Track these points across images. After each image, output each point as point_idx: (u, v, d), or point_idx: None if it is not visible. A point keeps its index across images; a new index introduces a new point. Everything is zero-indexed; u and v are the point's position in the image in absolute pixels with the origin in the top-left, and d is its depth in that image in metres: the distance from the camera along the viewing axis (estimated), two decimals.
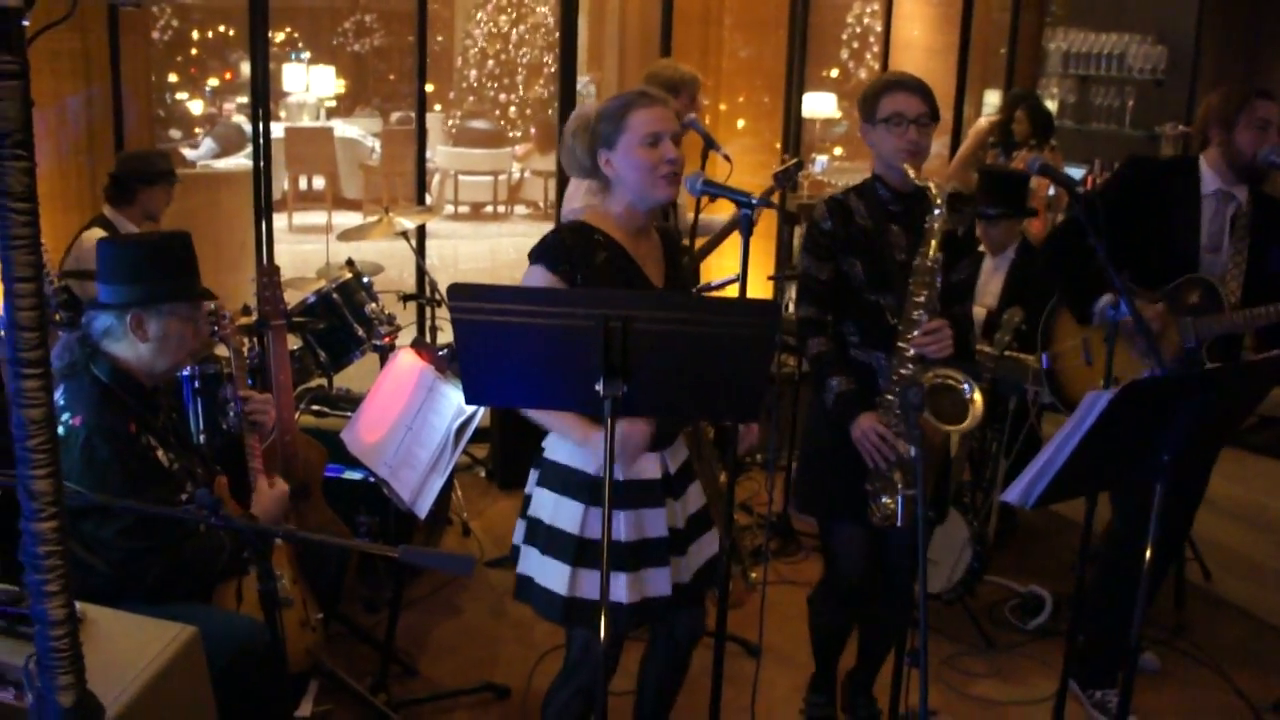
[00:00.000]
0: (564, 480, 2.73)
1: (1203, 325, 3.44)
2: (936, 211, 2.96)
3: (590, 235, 2.68)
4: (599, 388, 2.16)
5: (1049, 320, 3.85)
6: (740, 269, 2.57)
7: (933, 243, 2.97)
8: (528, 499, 2.82)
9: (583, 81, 12.41)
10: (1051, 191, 6.56)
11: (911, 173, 3.00)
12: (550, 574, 2.71)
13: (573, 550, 2.68)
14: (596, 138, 2.68)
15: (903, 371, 3.02)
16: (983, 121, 7.10)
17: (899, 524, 2.97)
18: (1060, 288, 3.77)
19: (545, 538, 2.73)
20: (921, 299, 2.99)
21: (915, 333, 3.00)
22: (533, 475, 2.81)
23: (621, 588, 2.66)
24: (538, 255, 2.67)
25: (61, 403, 2.83)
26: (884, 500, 3.07)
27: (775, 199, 5.35)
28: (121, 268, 2.93)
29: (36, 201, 1.48)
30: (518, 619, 4.23)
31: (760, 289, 5.71)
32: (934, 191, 2.95)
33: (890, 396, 3.05)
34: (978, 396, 2.98)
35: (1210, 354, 3.47)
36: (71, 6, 1.66)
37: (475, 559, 2.21)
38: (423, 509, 3.27)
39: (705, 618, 3.02)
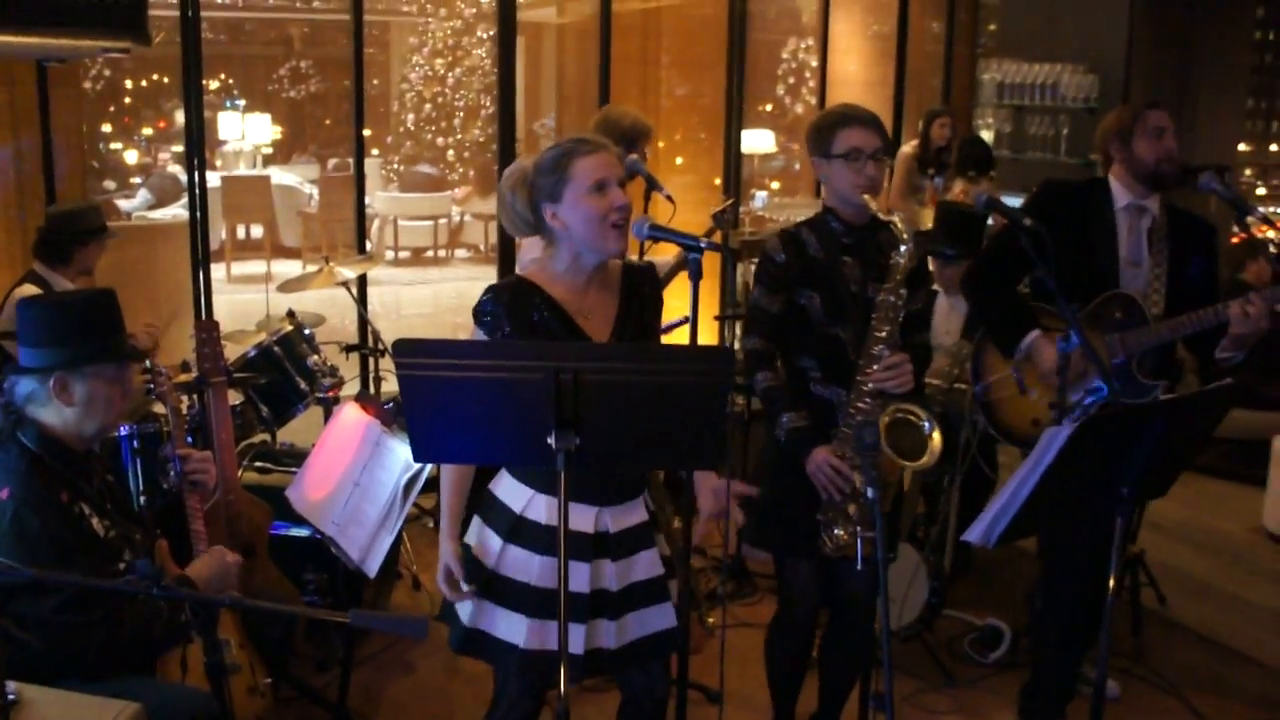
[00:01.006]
0: (493, 512, 2.74)
1: (1129, 340, 3.44)
2: (903, 248, 2.96)
3: (527, 293, 2.62)
4: (551, 441, 2.11)
5: (980, 352, 3.85)
6: (690, 311, 2.53)
7: (898, 279, 2.97)
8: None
9: (543, 122, 12.42)
10: (990, 221, 6.63)
11: (874, 205, 2.99)
12: (462, 601, 2.73)
13: (481, 582, 2.69)
14: (538, 191, 2.61)
15: (860, 405, 3.01)
16: (906, 149, 7.22)
17: (858, 564, 2.94)
18: (984, 322, 3.79)
19: (468, 564, 2.73)
20: (883, 334, 3.00)
21: (875, 367, 2.98)
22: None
23: (520, 630, 2.66)
24: (476, 319, 2.63)
25: None
26: (836, 531, 3.06)
27: (718, 239, 5.35)
28: (42, 330, 2.82)
29: None
30: (471, 674, 4.13)
31: (707, 329, 5.69)
32: (899, 227, 2.95)
33: (847, 429, 3.04)
34: (936, 434, 2.97)
35: (1141, 368, 3.48)
36: None
37: (428, 620, 2.14)
38: (372, 567, 3.20)
39: (669, 673, 2.94)
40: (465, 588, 2.68)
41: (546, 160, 2.61)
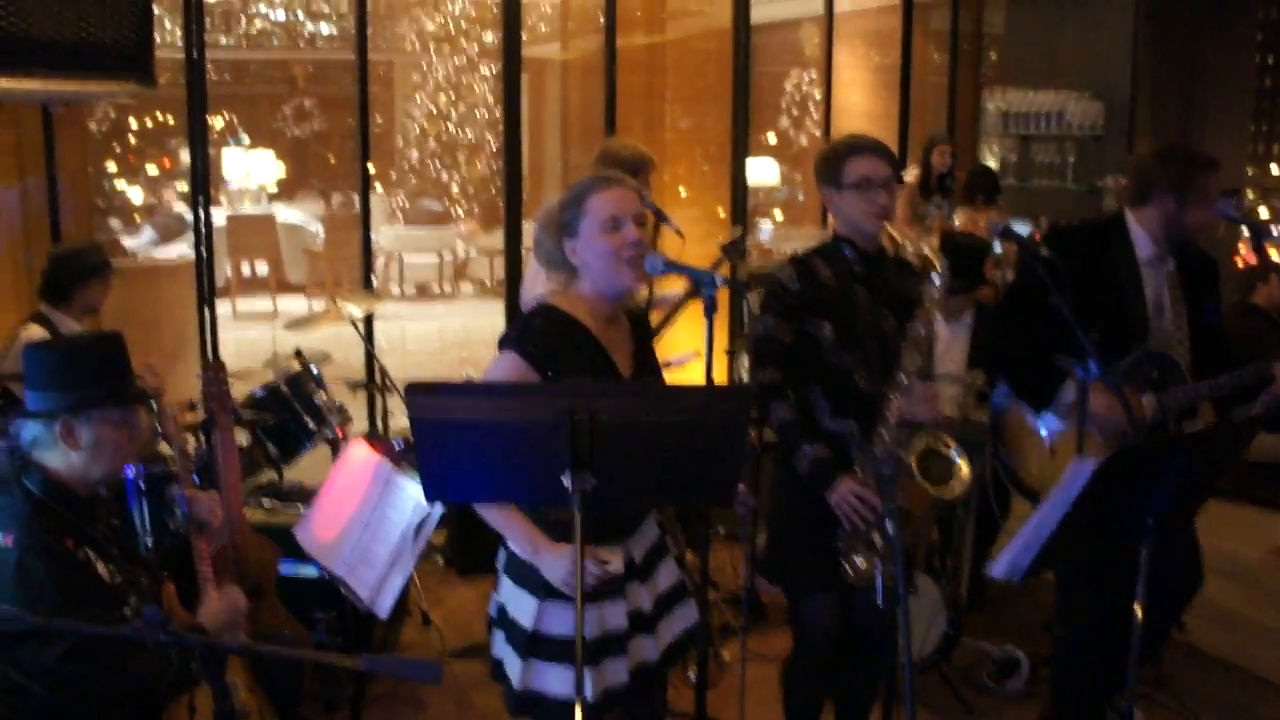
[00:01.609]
0: (521, 571, 2.68)
1: (1167, 399, 3.35)
2: (936, 278, 2.94)
3: (562, 321, 2.61)
4: (566, 481, 2.08)
5: (996, 424, 3.72)
6: (705, 346, 2.51)
7: (928, 308, 2.96)
8: (494, 573, 2.78)
9: None
10: (998, 249, 6.61)
11: (893, 233, 2.98)
12: (510, 663, 2.69)
13: (525, 643, 2.65)
14: (560, 228, 2.62)
15: (883, 433, 2.98)
16: (908, 177, 7.22)
17: (879, 598, 2.90)
18: (1010, 381, 3.62)
19: (506, 626, 2.71)
20: (914, 365, 2.97)
21: (897, 394, 2.97)
22: (501, 555, 2.75)
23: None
24: (511, 341, 2.59)
25: None
26: (858, 560, 3.04)
27: (725, 271, 5.33)
28: (48, 373, 2.78)
29: None
30: (483, 711, 4.09)
31: (717, 362, 5.66)
32: (933, 258, 2.94)
33: (871, 460, 3.01)
34: (963, 463, 2.94)
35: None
36: None
37: (442, 665, 2.11)
38: (383, 608, 3.15)
39: (665, 694, 2.97)
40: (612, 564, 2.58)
41: (569, 196, 2.63)
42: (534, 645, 2.64)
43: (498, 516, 2.61)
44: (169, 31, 9.64)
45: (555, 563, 2.53)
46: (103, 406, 2.79)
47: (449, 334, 11.22)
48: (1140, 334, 3.39)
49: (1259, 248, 3.63)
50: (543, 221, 2.68)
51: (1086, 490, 2.11)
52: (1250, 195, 9.32)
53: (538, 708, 2.66)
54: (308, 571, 3.98)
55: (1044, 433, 3.53)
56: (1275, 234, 3.36)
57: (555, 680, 2.63)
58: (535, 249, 2.74)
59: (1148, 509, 2.29)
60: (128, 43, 3.07)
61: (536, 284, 4.08)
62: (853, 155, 3.06)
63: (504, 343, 2.61)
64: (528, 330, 2.59)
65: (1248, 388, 3.27)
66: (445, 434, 2.09)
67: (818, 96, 8.37)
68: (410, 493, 3.29)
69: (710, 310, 2.48)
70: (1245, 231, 4.00)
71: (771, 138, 12.63)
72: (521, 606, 2.66)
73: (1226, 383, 3.27)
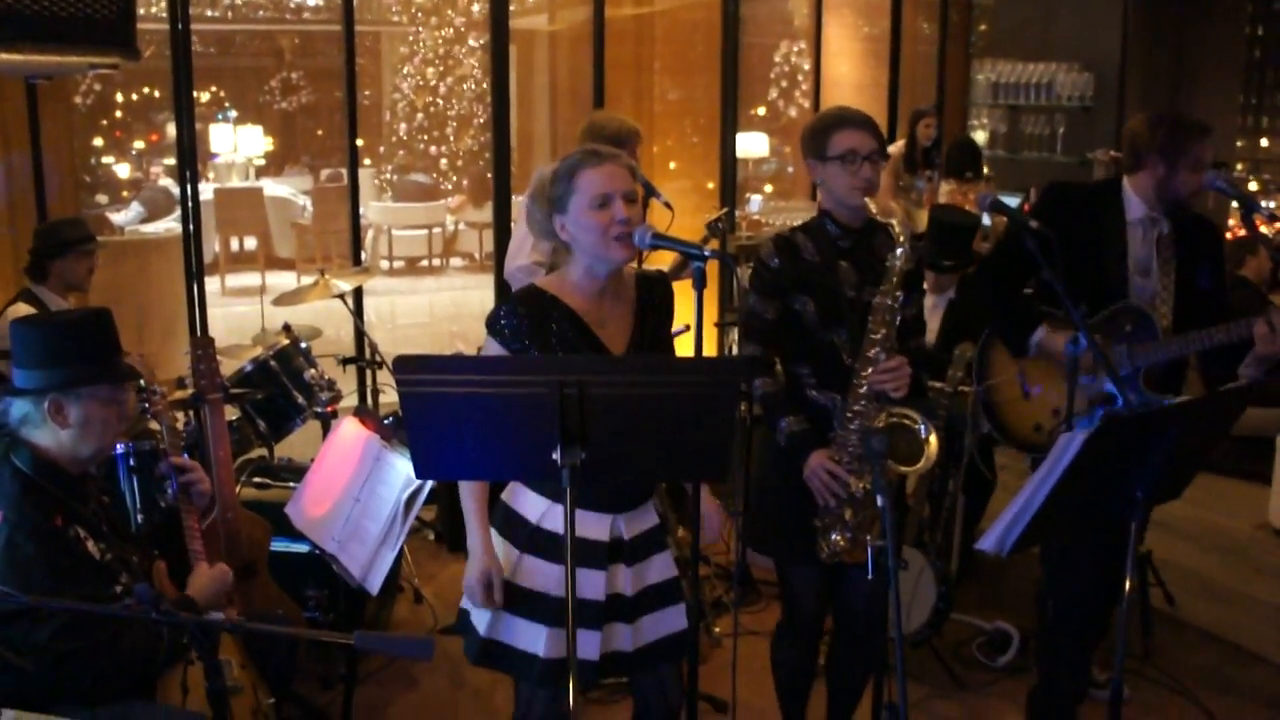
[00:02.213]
0: (508, 523, 2.73)
1: (1138, 353, 3.37)
2: (899, 251, 2.93)
3: (544, 304, 2.61)
4: (556, 456, 2.08)
5: (984, 353, 3.79)
6: (695, 320, 2.50)
7: (894, 281, 2.94)
8: None
9: None
10: (987, 221, 6.61)
11: (872, 207, 2.96)
12: (478, 611, 2.73)
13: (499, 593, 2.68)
14: (550, 202, 2.61)
15: (856, 409, 2.99)
16: (893, 149, 7.21)
17: (869, 573, 2.90)
18: (993, 320, 3.69)
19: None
20: (879, 336, 2.97)
21: (870, 370, 2.96)
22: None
23: (539, 639, 2.67)
24: (492, 331, 2.61)
25: None
26: (834, 537, 3.05)
27: (716, 246, 5.32)
28: (36, 351, 2.77)
29: None
30: (477, 688, 4.10)
31: (708, 336, 5.66)
32: (896, 230, 2.92)
33: (843, 433, 3.02)
34: (933, 438, 2.94)
35: (1148, 380, 3.42)
36: None
37: (434, 641, 2.10)
38: (374, 584, 3.15)
39: (682, 680, 2.93)
40: (498, 597, 2.67)
41: (559, 170, 2.62)
42: (506, 596, 2.68)
43: (469, 499, 2.69)
44: (154, 2, 9.57)
45: (479, 557, 2.66)
46: (92, 384, 2.79)
47: (439, 308, 11.20)
48: (1119, 290, 3.40)
49: (1248, 220, 3.62)
50: (533, 192, 2.67)
51: (1075, 462, 2.11)
52: (1240, 167, 9.31)
53: (501, 659, 2.72)
54: (299, 549, 3.99)
55: (1026, 388, 3.59)
56: (1263, 206, 3.33)
57: (522, 634, 2.68)
58: (526, 218, 2.73)
59: (1137, 481, 2.30)
60: (111, 15, 3.04)
61: (520, 254, 4.07)
62: (838, 128, 3.03)
63: (487, 327, 2.63)
64: (507, 316, 2.59)
65: (1229, 348, 3.25)
66: (435, 408, 2.08)
67: (807, 68, 8.33)
68: (400, 469, 3.29)
69: (700, 284, 2.47)
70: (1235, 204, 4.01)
71: (761, 110, 12.57)
72: (503, 555, 2.70)
73: (1199, 339, 3.25)
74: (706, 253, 2.48)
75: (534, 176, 2.73)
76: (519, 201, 4.52)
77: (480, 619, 2.73)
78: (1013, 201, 7.38)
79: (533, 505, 2.71)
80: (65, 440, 2.77)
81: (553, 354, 2.57)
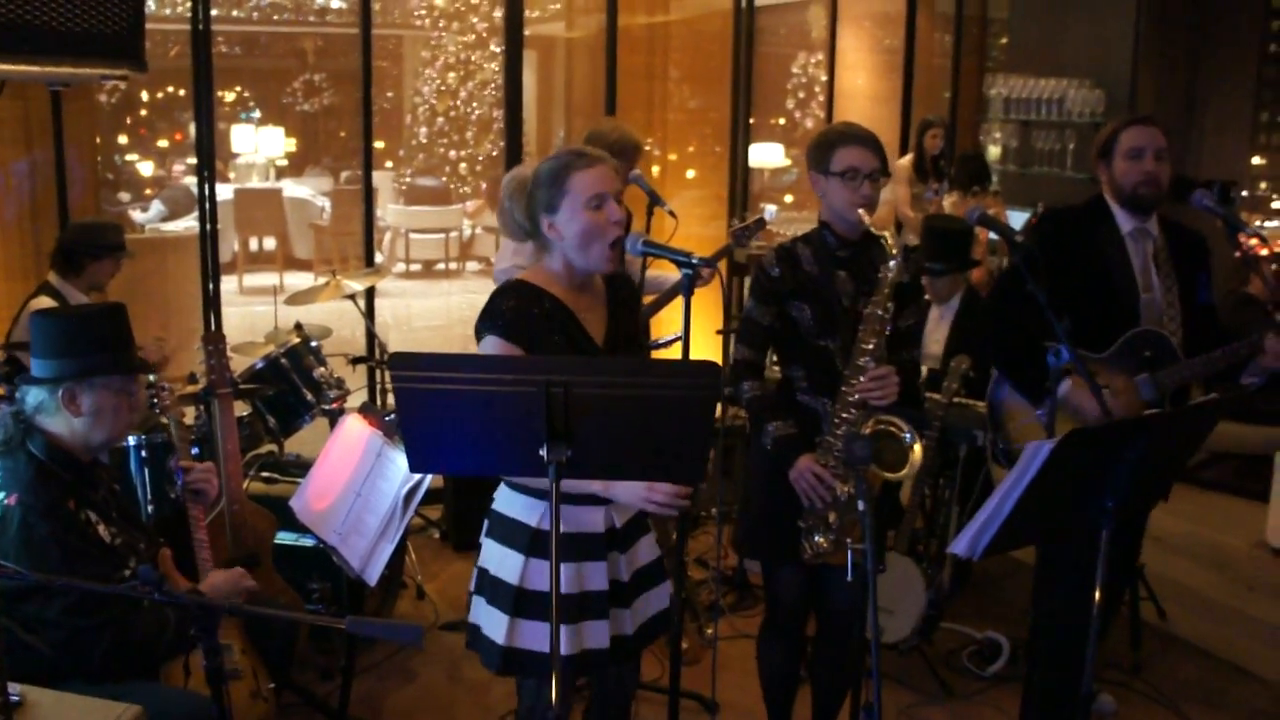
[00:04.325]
0: (507, 531, 2.76)
1: (1162, 378, 3.35)
2: (892, 262, 3.01)
3: (532, 295, 2.67)
4: (543, 452, 2.16)
5: (994, 405, 3.69)
6: (683, 327, 2.57)
7: (885, 292, 3.02)
8: (480, 547, 2.84)
9: None
10: (993, 236, 6.67)
11: (867, 219, 3.04)
12: (492, 623, 2.74)
13: (512, 600, 2.70)
14: (536, 202, 2.66)
15: (844, 415, 3.07)
16: (903, 161, 7.27)
17: (848, 575, 2.97)
18: (1005, 373, 3.61)
19: (490, 588, 2.76)
20: (870, 346, 3.04)
21: (861, 378, 3.03)
22: (485, 524, 2.84)
23: (560, 639, 2.64)
24: (488, 326, 2.65)
25: None
26: (817, 539, 3.13)
27: (735, 254, 5.35)
28: (53, 341, 2.88)
29: None
30: (473, 682, 4.17)
31: (709, 343, 5.72)
32: (889, 242, 3.00)
33: (831, 439, 3.10)
34: (917, 446, 3.01)
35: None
36: None
37: (423, 629, 2.18)
38: (372, 576, 3.23)
39: (638, 672, 3.03)
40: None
41: (545, 171, 2.66)
42: (520, 602, 2.69)
43: (583, 486, 2.65)
44: (180, 1, 9.67)
45: (637, 488, 2.64)
46: (105, 374, 2.90)
47: (454, 311, 11.30)
48: (1131, 307, 3.40)
49: (1233, 241, 3.66)
50: (511, 190, 2.72)
51: (1042, 471, 2.17)
52: (1263, 186, 9.27)
53: (524, 665, 2.72)
54: (304, 542, 4.09)
55: (1045, 422, 3.56)
56: (1255, 228, 3.38)
57: (541, 636, 2.68)
58: (500, 217, 2.79)
59: (1107, 491, 2.35)
60: (121, 29, 3.17)
61: (505, 258, 4.14)
62: (842, 144, 3.10)
63: (481, 330, 2.66)
64: (500, 310, 2.64)
65: (1239, 364, 3.28)
66: (427, 403, 2.16)
67: (823, 79, 8.37)
68: (400, 465, 3.37)
69: (687, 291, 2.55)
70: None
71: (782, 120, 12.61)
72: (506, 565, 2.73)
73: (1220, 357, 3.27)
74: (694, 260, 2.56)
75: (509, 177, 2.77)
76: None
77: (495, 629, 2.73)
78: (1021, 216, 7.42)
79: (529, 509, 2.73)
80: (78, 428, 2.88)
81: (547, 337, 2.62)
